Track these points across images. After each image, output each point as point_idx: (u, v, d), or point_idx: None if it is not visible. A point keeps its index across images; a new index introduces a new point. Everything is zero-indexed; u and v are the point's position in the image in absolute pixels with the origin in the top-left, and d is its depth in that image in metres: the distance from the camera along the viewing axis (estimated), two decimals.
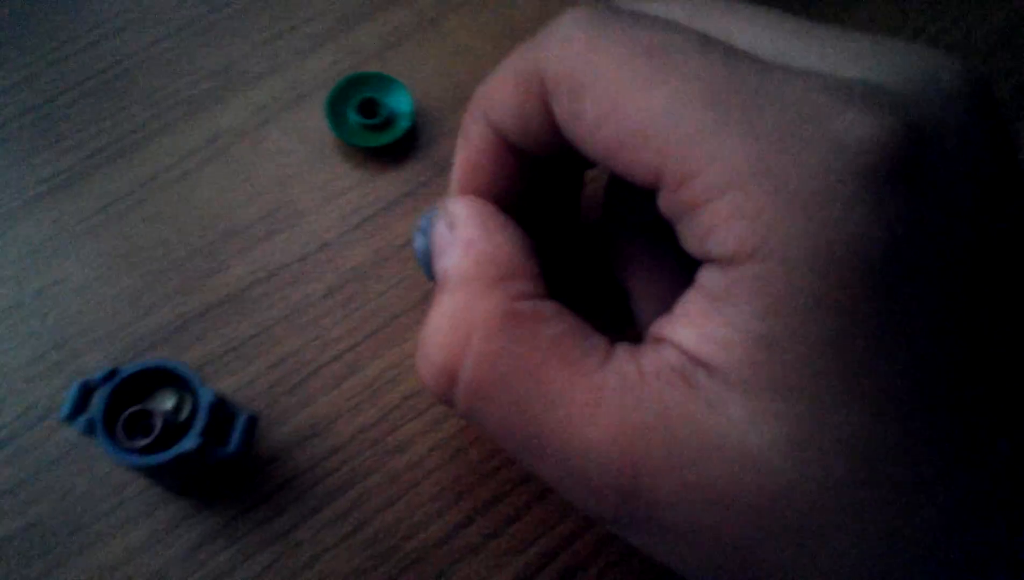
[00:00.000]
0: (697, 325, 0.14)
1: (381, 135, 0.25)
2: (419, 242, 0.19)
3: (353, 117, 0.25)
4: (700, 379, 0.14)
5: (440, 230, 0.17)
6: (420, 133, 0.26)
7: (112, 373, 0.19)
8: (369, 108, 0.25)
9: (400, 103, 0.25)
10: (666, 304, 0.16)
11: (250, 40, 0.27)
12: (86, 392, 0.19)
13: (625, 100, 0.14)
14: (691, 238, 0.14)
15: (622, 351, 0.15)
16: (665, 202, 0.15)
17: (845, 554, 0.13)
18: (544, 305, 0.16)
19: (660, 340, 0.15)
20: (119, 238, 0.23)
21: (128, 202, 0.24)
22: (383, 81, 0.26)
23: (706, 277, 0.14)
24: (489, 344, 0.15)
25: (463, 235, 0.17)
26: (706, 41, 0.15)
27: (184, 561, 0.20)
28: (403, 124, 0.25)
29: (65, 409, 0.18)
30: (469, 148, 0.18)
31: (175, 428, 0.19)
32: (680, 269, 0.19)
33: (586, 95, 0.15)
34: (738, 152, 0.13)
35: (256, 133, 0.25)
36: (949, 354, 0.13)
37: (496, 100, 0.17)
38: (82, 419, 0.18)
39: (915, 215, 0.13)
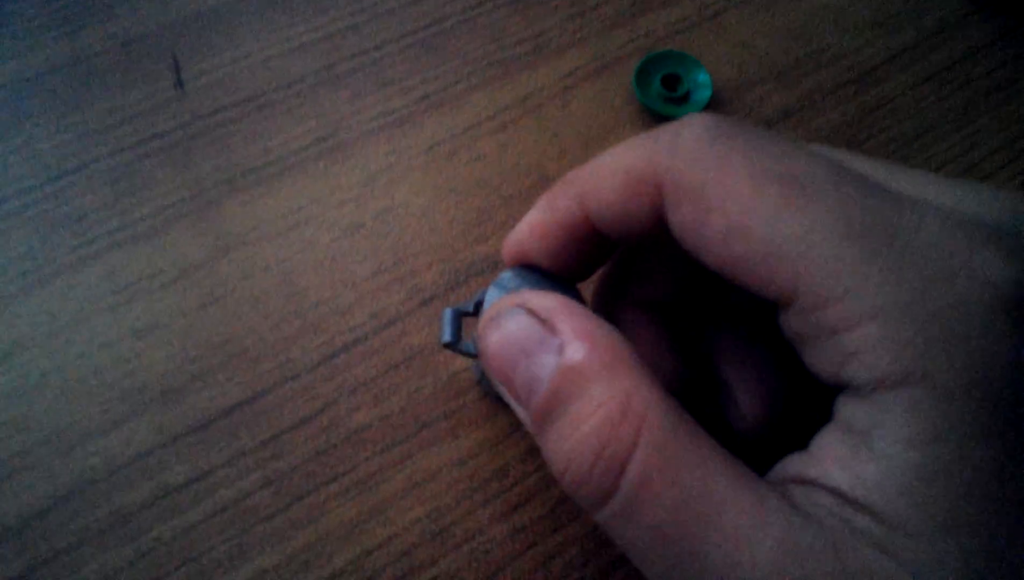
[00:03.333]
0: (848, 467, 0.14)
1: (681, 107, 0.27)
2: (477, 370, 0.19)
3: (657, 88, 0.27)
4: (864, 523, 0.13)
5: (522, 326, 0.16)
6: (714, 108, 0.28)
7: (478, 305, 0.20)
8: (671, 82, 0.27)
9: (699, 79, 0.27)
10: (760, 395, 0.17)
11: (556, 16, 0.29)
12: (457, 318, 0.20)
13: (759, 221, 0.15)
14: (824, 361, 0.14)
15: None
16: (794, 322, 0.15)
17: None
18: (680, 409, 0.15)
19: (806, 482, 0.14)
20: (446, 174, 0.25)
21: (452, 144, 0.26)
22: (684, 59, 0.28)
23: (847, 411, 0.14)
24: (662, 435, 0.15)
25: (574, 326, 0.16)
26: (839, 170, 0.15)
27: (522, 460, 0.21)
28: (704, 95, 0.27)
29: (447, 335, 0.19)
30: (551, 217, 0.18)
31: None
32: (770, 360, 0.19)
33: (714, 209, 0.15)
34: (882, 283, 0.14)
35: (564, 96, 0.27)
36: None
37: (598, 190, 0.17)
38: (466, 344, 0.19)
39: None
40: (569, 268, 0.19)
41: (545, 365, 0.16)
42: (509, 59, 0.28)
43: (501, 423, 0.22)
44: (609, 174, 0.17)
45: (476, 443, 0.21)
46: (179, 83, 0.26)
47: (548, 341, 0.16)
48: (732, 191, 0.15)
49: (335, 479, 0.21)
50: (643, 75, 0.27)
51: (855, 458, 0.14)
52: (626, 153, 0.17)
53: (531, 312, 0.16)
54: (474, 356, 0.19)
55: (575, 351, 0.15)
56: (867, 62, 0.29)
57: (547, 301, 0.16)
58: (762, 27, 0.30)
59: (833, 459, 0.14)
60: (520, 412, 0.16)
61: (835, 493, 0.14)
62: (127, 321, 0.22)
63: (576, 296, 0.18)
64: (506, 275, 0.19)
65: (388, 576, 0.20)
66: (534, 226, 0.18)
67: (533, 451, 0.21)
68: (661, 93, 0.27)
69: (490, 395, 0.22)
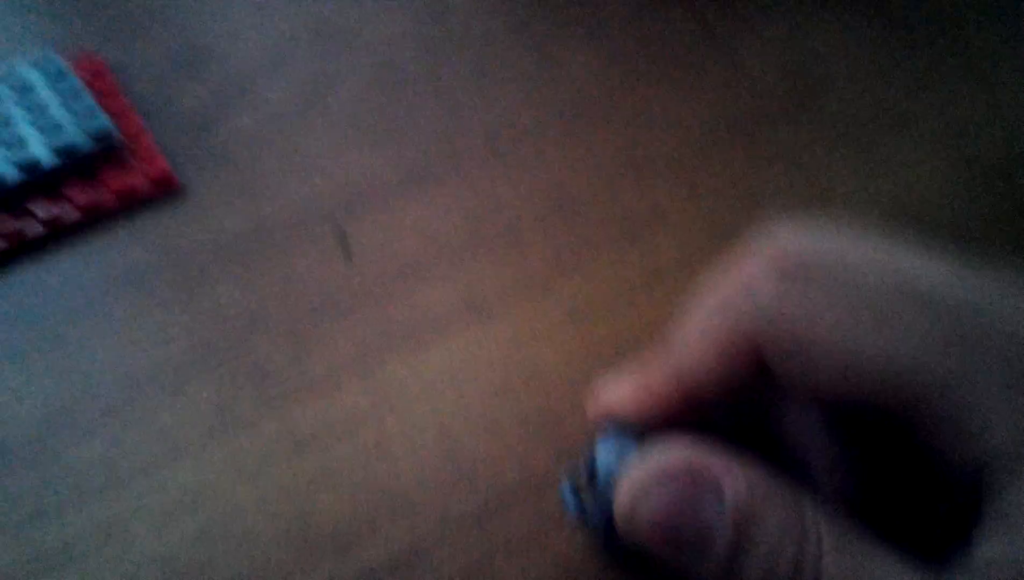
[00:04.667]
0: None
1: None
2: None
3: None
4: None
5: (672, 490, 0.17)
6: None
7: (591, 471, 0.20)
8: None
9: None
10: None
11: (673, 189, 0.32)
12: (576, 491, 0.21)
13: (871, 354, 0.16)
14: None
15: None
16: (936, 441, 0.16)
17: None
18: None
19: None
20: (586, 337, 0.28)
21: (587, 308, 0.28)
22: None
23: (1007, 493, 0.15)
24: (839, 548, 0.16)
25: (719, 467, 0.17)
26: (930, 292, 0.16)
27: None
28: None
29: (574, 512, 0.21)
30: (645, 396, 0.19)
31: None
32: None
33: (821, 357, 0.16)
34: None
35: (688, 266, 0.30)
36: None
37: (694, 368, 0.18)
38: (595, 517, 0.20)
39: None
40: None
41: (710, 512, 0.16)
42: (633, 229, 0.30)
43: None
44: (701, 349, 0.18)
45: None
46: (348, 255, 0.29)
47: (708, 496, 0.16)
48: (837, 329, 0.16)
49: None
50: None
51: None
52: (712, 319, 0.18)
53: (672, 473, 0.17)
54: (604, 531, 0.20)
55: (730, 487, 0.16)
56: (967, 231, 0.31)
57: (680, 453, 0.17)
58: (868, 201, 0.32)
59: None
60: (705, 571, 0.17)
61: None
62: (302, 471, 0.24)
63: None
64: (609, 434, 0.20)
65: None
66: (626, 398, 0.20)
67: None
68: None
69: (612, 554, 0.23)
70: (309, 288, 0.28)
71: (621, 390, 0.20)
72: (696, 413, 0.19)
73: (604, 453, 0.20)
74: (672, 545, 0.17)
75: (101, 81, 0.33)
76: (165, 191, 0.30)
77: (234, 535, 0.23)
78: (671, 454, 0.17)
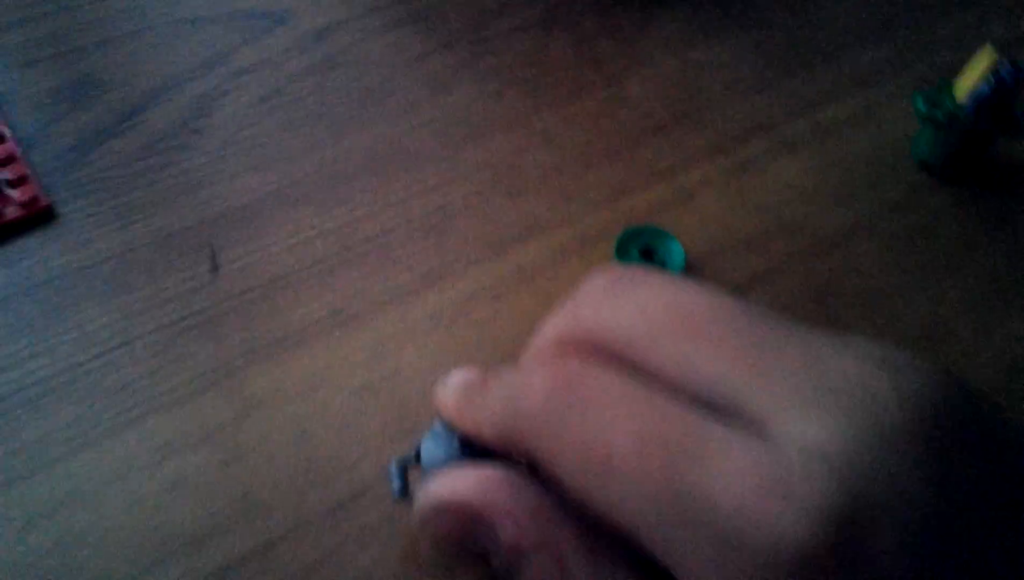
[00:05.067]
0: None
1: None
2: None
3: (636, 259, 0.30)
4: None
5: (454, 524, 0.19)
6: (688, 272, 0.31)
7: (418, 454, 0.21)
8: (648, 253, 0.31)
9: (672, 249, 0.31)
10: None
11: (546, 201, 0.33)
12: (403, 469, 0.22)
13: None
14: None
15: None
16: None
17: None
18: None
19: None
20: (447, 340, 0.28)
21: (453, 313, 0.29)
22: (659, 233, 0.31)
23: None
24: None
25: (497, 508, 0.18)
26: None
27: None
28: (676, 262, 0.30)
29: (397, 489, 0.21)
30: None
31: None
32: None
33: None
34: None
35: (554, 267, 0.31)
36: None
37: None
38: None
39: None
40: None
41: (487, 540, 0.18)
42: (504, 238, 0.31)
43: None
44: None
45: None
46: (215, 268, 0.30)
47: (478, 530, 0.18)
48: None
49: None
50: (623, 248, 0.31)
51: None
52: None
53: (449, 508, 0.18)
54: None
55: (506, 530, 0.18)
56: (833, 230, 0.32)
57: (457, 489, 0.18)
58: (732, 203, 0.33)
59: None
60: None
61: None
62: (157, 480, 0.25)
63: None
64: (438, 426, 0.21)
65: None
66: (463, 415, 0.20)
67: None
68: (640, 262, 0.30)
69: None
70: (175, 305, 0.29)
71: (447, 393, 0.21)
72: None
73: (429, 444, 0.21)
74: (449, 535, 0.19)
75: None
76: (38, 217, 0.31)
77: (93, 540, 0.23)
78: (457, 490, 0.18)
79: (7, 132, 0.33)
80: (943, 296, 0.31)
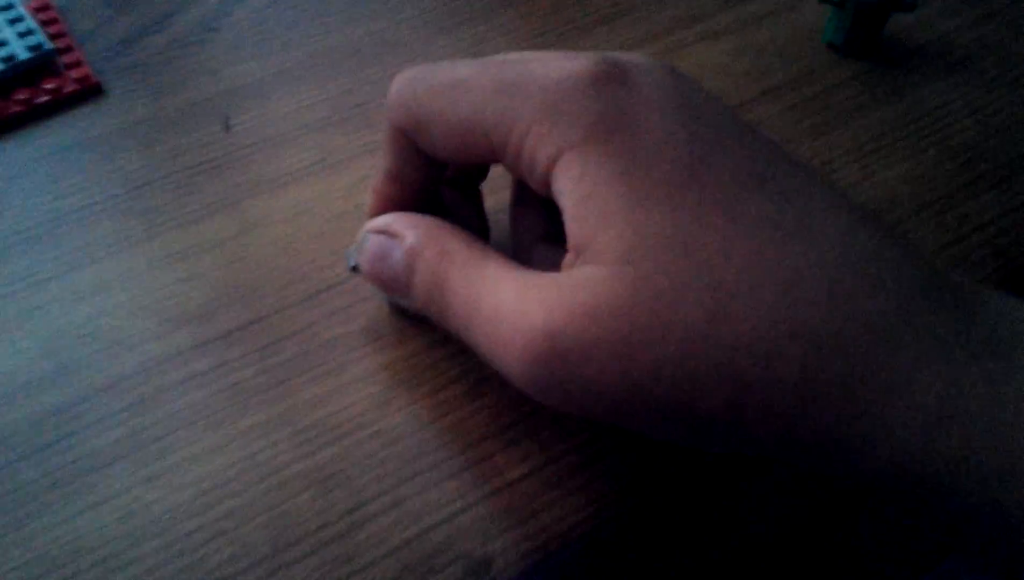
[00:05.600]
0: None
1: None
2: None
3: None
4: (567, 258, 0.21)
5: (374, 243, 0.25)
6: None
7: None
8: None
9: None
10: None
11: None
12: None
13: (457, 121, 0.23)
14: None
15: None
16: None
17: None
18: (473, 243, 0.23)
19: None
20: None
21: None
22: None
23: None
24: (461, 260, 0.23)
25: (404, 224, 0.24)
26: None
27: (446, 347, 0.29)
28: None
29: (350, 264, 0.27)
30: (379, 190, 0.27)
31: None
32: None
33: (431, 131, 0.24)
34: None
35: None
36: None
37: (389, 166, 0.27)
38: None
39: (622, 100, 0.20)
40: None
41: (397, 259, 0.24)
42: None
43: (426, 338, 0.29)
44: (390, 156, 0.26)
45: (417, 346, 0.29)
46: (227, 128, 0.36)
47: (392, 243, 0.24)
48: (437, 114, 0.23)
49: (310, 370, 0.28)
50: None
51: (567, 231, 0.21)
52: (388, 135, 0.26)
53: (377, 231, 0.25)
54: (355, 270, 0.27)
55: (409, 238, 0.24)
56: (741, 98, 0.37)
57: (384, 219, 0.25)
58: None
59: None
60: (401, 301, 0.26)
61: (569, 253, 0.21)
62: (175, 273, 0.31)
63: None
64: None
65: (343, 429, 0.27)
66: (373, 203, 0.27)
67: (460, 349, 0.29)
68: None
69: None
70: (193, 154, 0.35)
71: (372, 199, 0.28)
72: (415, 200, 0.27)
73: None
74: (381, 282, 0.25)
75: (45, 13, 0.40)
76: (89, 91, 0.37)
77: (123, 313, 0.30)
78: (378, 221, 0.25)
79: (66, 28, 0.40)
80: (833, 145, 0.35)
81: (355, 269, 0.27)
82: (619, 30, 0.40)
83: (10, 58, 0.36)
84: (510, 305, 0.20)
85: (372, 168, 0.34)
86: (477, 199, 0.29)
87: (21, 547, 0.24)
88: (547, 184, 0.22)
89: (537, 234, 0.27)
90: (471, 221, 0.28)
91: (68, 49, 0.39)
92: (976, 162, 0.34)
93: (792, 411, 0.18)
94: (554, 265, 0.22)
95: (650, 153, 0.20)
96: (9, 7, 0.39)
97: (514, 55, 0.24)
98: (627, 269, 0.19)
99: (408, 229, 0.24)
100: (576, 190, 0.20)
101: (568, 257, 0.21)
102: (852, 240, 0.19)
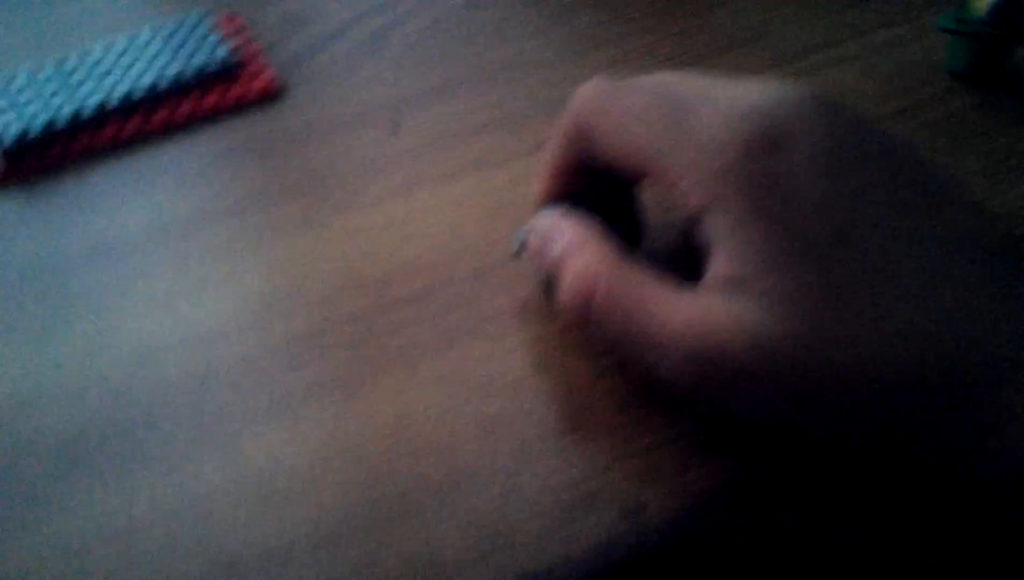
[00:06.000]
0: (715, 267, 0.24)
1: None
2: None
3: None
4: (735, 287, 0.23)
5: (541, 230, 0.28)
6: None
7: None
8: None
9: None
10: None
11: None
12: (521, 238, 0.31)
13: (625, 143, 0.27)
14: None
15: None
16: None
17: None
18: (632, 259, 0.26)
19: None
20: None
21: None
22: None
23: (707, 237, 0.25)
24: (612, 278, 0.25)
25: (563, 226, 0.27)
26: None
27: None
28: None
29: (515, 248, 0.31)
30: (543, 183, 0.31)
31: None
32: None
33: (603, 146, 0.27)
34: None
35: None
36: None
37: (555, 164, 0.31)
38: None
39: (775, 167, 0.23)
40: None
41: (556, 247, 0.27)
42: None
43: None
44: (556, 158, 0.30)
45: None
46: (395, 132, 0.39)
47: (555, 237, 0.28)
48: (609, 134, 0.27)
49: (478, 337, 0.31)
50: None
51: (713, 262, 0.24)
52: (558, 142, 0.30)
53: (546, 225, 0.28)
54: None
55: (562, 241, 0.27)
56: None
57: (551, 218, 0.28)
58: None
59: (707, 268, 0.25)
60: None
61: (718, 279, 0.24)
62: (357, 246, 0.34)
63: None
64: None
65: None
66: (539, 191, 0.31)
67: None
68: None
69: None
70: (368, 149, 0.39)
71: (537, 187, 0.31)
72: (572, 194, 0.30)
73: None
74: (542, 262, 0.28)
75: (233, 26, 0.45)
76: (272, 93, 0.41)
77: (301, 283, 0.33)
78: (544, 218, 0.29)
79: (255, 42, 0.44)
80: (955, 168, 0.37)
81: (519, 253, 0.30)
82: (754, 52, 0.43)
83: (202, 67, 0.41)
84: (678, 325, 0.23)
85: (524, 169, 0.37)
86: (633, 197, 0.32)
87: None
88: (692, 220, 0.25)
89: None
90: (625, 217, 0.31)
91: (255, 56, 0.43)
92: None
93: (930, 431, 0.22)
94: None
95: (804, 216, 0.22)
96: (201, 23, 0.44)
97: (689, 81, 0.27)
98: (794, 308, 0.22)
99: (565, 230, 0.27)
100: (736, 233, 0.23)
101: (719, 282, 0.24)
102: (990, 285, 0.22)
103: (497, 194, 0.36)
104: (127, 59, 0.41)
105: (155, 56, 0.41)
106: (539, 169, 0.30)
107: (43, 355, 0.31)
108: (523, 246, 0.30)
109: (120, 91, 0.40)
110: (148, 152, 0.39)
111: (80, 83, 0.40)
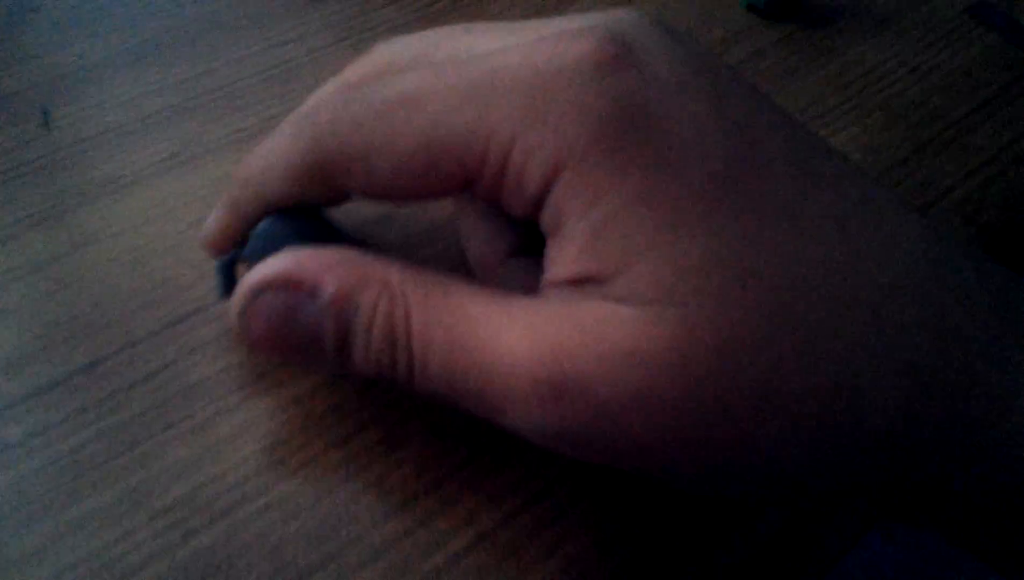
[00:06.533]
0: (557, 261, 0.16)
1: None
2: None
3: None
4: (587, 288, 0.15)
5: (271, 302, 0.17)
6: None
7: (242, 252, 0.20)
8: None
9: None
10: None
11: None
12: (229, 269, 0.20)
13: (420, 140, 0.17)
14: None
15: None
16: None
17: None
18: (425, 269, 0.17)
19: (546, 285, 0.16)
20: None
21: None
22: None
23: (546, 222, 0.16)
24: (421, 302, 0.16)
25: (312, 268, 0.16)
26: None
27: (358, 394, 0.21)
28: None
29: (222, 291, 0.20)
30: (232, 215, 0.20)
31: None
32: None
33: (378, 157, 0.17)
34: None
35: None
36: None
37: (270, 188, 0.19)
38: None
39: (634, 90, 0.15)
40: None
41: (312, 316, 0.16)
42: None
43: None
44: (278, 177, 0.18)
45: (312, 385, 0.21)
46: (46, 124, 0.27)
47: (302, 298, 0.16)
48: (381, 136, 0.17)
49: (171, 426, 0.20)
50: None
51: (559, 252, 0.15)
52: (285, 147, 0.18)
53: (265, 285, 0.17)
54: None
55: (330, 286, 0.16)
56: None
57: (274, 266, 0.17)
58: None
59: (550, 260, 0.16)
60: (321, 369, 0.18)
61: (558, 281, 0.15)
62: None
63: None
64: (261, 226, 0.19)
65: (220, 505, 0.19)
66: (215, 231, 0.20)
67: (368, 385, 0.21)
68: None
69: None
70: (4, 158, 0.26)
71: (216, 224, 0.20)
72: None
73: (253, 240, 0.19)
74: (285, 351, 0.17)
75: None
76: None
77: None
78: (273, 265, 0.17)
79: None
80: None
81: (227, 294, 0.19)
82: (516, 2, 0.34)
83: None
84: (519, 347, 0.15)
85: (240, 159, 0.27)
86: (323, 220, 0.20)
87: None
88: (538, 206, 0.16)
89: (502, 249, 0.20)
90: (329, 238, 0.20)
91: None
92: (927, 123, 0.30)
93: (893, 452, 0.14)
94: (528, 284, 0.18)
95: (679, 157, 0.14)
96: None
97: (473, 39, 0.18)
98: (671, 311, 0.14)
99: (324, 272, 0.17)
100: (589, 215, 0.15)
101: (566, 289, 0.15)
102: (928, 248, 0.15)
103: (197, 204, 0.26)
104: None
105: None
106: (223, 204, 0.20)
107: None
108: (228, 290, 0.20)
109: None
110: None
111: None
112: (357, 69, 0.20)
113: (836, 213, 0.14)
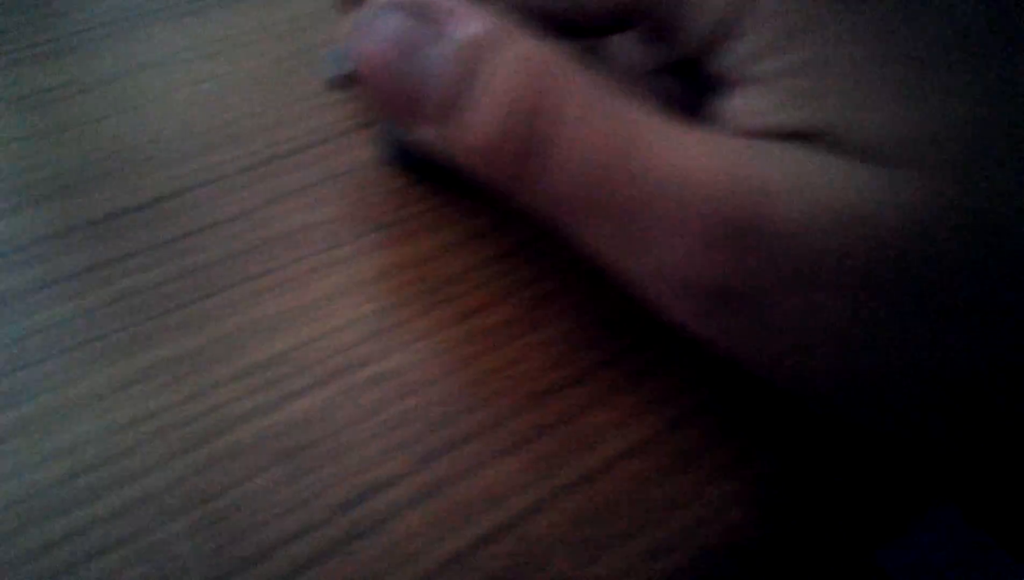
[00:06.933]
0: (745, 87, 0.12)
1: None
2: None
3: None
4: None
5: (399, 24, 0.13)
6: None
7: None
8: None
9: None
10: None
11: None
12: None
13: None
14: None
15: None
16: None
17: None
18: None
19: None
20: None
21: None
22: None
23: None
24: (570, 76, 0.12)
25: (459, 9, 0.13)
26: None
27: (484, 265, 0.17)
28: None
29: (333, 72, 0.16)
30: None
31: None
32: None
33: None
34: None
35: None
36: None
37: None
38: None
39: None
40: None
41: (435, 56, 0.13)
42: None
43: (462, 228, 0.18)
44: None
45: (432, 247, 0.17)
46: None
47: (433, 35, 0.13)
48: None
49: (262, 276, 0.16)
50: None
51: (759, 98, 0.12)
52: None
53: (403, 7, 0.13)
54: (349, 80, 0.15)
55: (469, 27, 0.12)
56: None
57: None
58: None
59: (738, 109, 0.12)
60: (420, 136, 0.13)
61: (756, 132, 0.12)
62: (30, 123, 0.18)
63: None
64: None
65: (320, 371, 0.15)
66: None
67: (495, 257, 0.17)
68: None
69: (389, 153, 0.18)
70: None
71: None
72: None
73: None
74: (392, 81, 0.13)
75: None
76: None
77: None
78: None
79: None
80: None
81: (336, 82, 0.15)
82: None
83: None
84: (698, 171, 0.12)
85: (314, 7, 0.22)
86: None
87: None
88: (715, 42, 0.13)
89: (646, 60, 0.16)
90: None
91: None
92: None
93: None
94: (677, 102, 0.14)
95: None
96: None
97: None
98: (917, 175, 0.11)
99: (462, 7, 0.13)
100: (790, 52, 0.12)
101: (763, 118, 0.12)
102: None
103: (280, 40, 0.21)
104: None
105: None
106: None
107: None
108: (344, 68, 0.16)
109: None
110: None
111: None
112: None
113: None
